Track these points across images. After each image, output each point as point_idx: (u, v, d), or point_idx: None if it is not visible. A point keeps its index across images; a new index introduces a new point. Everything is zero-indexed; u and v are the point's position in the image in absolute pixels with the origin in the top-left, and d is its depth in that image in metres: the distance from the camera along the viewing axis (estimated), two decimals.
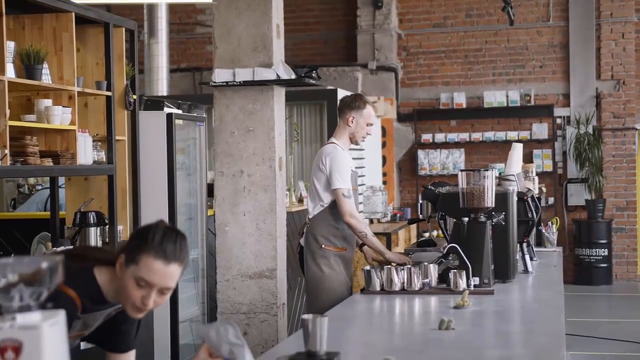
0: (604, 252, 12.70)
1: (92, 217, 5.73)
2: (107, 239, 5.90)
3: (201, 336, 2.62)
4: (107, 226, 5.88)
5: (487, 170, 4.62)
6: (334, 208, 5.38)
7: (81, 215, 5.73)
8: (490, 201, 4.58)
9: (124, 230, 6.15)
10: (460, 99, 13.38)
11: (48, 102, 5.31)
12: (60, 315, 1.85)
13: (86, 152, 5.57)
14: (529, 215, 5.27)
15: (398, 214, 11.41)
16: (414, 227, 11.57)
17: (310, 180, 5.53)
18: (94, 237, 5.71)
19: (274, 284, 5.84)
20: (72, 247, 5.20)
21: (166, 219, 6.49)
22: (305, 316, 2.82)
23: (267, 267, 5.83)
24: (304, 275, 5.58)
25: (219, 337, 2.52)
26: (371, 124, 5.56)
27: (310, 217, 5.49)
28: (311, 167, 10.92)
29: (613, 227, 12.96)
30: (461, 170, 4.66)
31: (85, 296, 2.77)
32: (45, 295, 1.84)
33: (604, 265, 12.73)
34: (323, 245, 5.40)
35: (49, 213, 6.08)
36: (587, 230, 12.78)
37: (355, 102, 5.52)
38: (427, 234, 11.04)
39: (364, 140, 5.66)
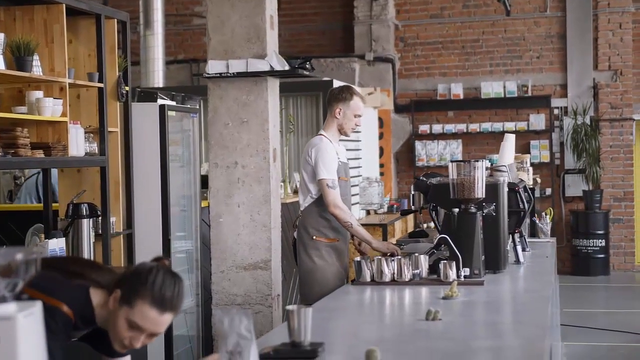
0: (601, 242, 12.71)
1: (84, 209, 5.72)
2: (99, 231, 5.90)
3: (214, 320, 2.64)
4: (99, 218, 5.88)
5: (478, 161, 4.61)
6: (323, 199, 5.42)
7: (74, 207, 5.72)
8: (480, 192, 4.58)
9: (117, 222, 6.15)
10: (458, 90, 13.37)
11: (39, 93, 5.30)
12: (36, 307, 1.86)
13: (78, 143, 5.56)
14: (520, 206, 5.27)
15: (395, 205, 11.42)
16: (410, 218, 11.58)
17: (300, 172, 5.55)
18: (87, 228, 5.71)
19: (268, 275, 5.85)
20: (67, 257, 5.14)
21: (159, 210, 6.55)
22: (290, 307, 2.84)
23: (261, 258, 5.83)
24: (297, 267, 5.62)
25: (231, 326, 2.53)
26: (359, 115, 5.55)
27: (301, 209, 5.53)
28: None
29: (610, 217, 12.96)
30: (451, 161, 4.66)
31: (79, 315, 2.78)
32: (20, 286, 1.85)
33: (601, 256, 12.74)
34: (314, 237, 5.43)
35: (42, 206, 6.07)
36: (584, 221, 12.79)
37: (342, 93, 5.53)
38: (424, 225, 11.04)
39: (354, 131, 5.67)
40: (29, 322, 1.83)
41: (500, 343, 3.23)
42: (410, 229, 11.30)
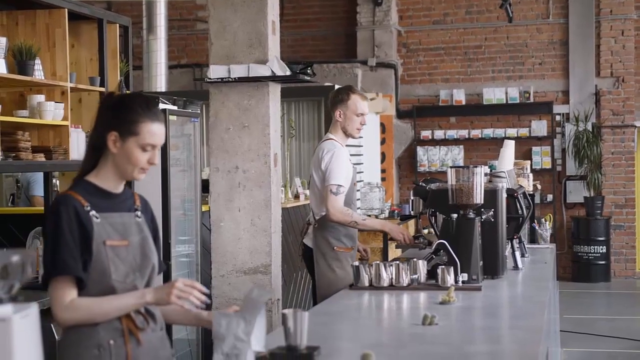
0: (602, 249, 12.71)
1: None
2: None
3: (213, 321, 2.69)
4: None
5: (476, 167, 4.62)
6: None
7: None
8: (479, 198, 4.59)
9: None
10: (460, 96, 13.40)
11: (41, 97, 5.33)
12: (32, 308, 1.88)
13: (79, 147, 5.59)
14: (519, 212, 5.28)
15: (396, 211, 11.42)
16: (413, 223, 11.58)
17: (311, 179, 5.51)
18: None
19: (268, 279, 5.85)
20: None
21: (160, 214, 6.55)
22: (286, 311, 2.85)
23: (261, 262, 5.83)
24: (314, 276, 5.53)
25: (228, 328, 2.55)
26: (361, 114, 5.48)
27: (317, 217, 5.44)
28: (308, 163, 10.90)
29: (611, 224, 12.97)
30: (450, 167, 4.67)
31: (86, 194, 2.97)
32: (17, 287, 1.87)
33: (602, 262, 12.75)
34: (335, 247, 5.38)
35: (43, 209, 6.10)
36: (585, 227, 12.79)
37: (339, 95, 5.50)
38: (425, 231, 11.04)
39: (359, 131, 5.56)
40: (24, 323, 1.85)
41: (495, 348, 3.25)
42: (412, 234, 11.29)
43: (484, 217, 4.68)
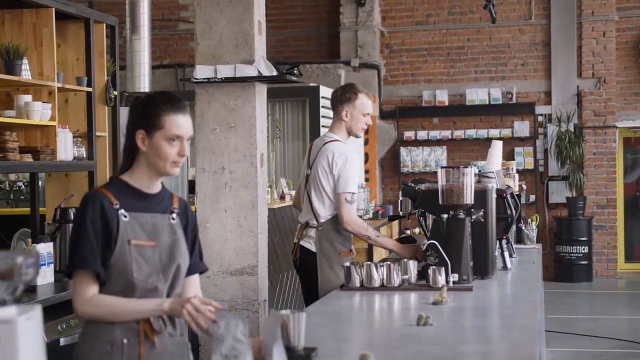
0: (584, 249, 12.78)
1: (72, 214, 5.69)
2: None
3: (210, 322, 2.68)
4: None
5: (467, 167, 4.63)
6: None
7: (61, 212, 5.70)
8: (469, 198, 4.59)
9: None
10: (443, 97, 13.43)
11: (28, 97, 5.29)
12: (36, 310, 1.86)
13: (66, 148, 5.56)
14: (508, 212, 5.29)
15: (380, 211, 11.44)
16: (395, 224, 11.61)
17: (314, 180, 5.32)
18: None
19: (255, 280, 5.84)
20: None
21: None
22: (284, 312, 2.84)
23: (248, 263, 5.83)
24: (310, 279, 5.33)
25: (227, 330, 2.53)
26: (367, 114, 5.34)
27: (321, 220, 5.28)
28: (294, 163, 10.85)
29: (593, 224, 13.04)
30: (441, 167, 4.67)
31: (117, 192, 3.01)
32: (21, 289, 1.85)
33: (584, 262, 12.81)
34: (341, 252, 5.26)
35: (29, 209, 6.05)
36: (567, 227, 12.86)
37: (346, 94, 5.32)
38: (408, 231, 11.06)
39: (363, 131, 5.46)
40: (29, 325, 1.83)
41: (491, 348, 3.25)
42: (395, 234, 11.32)
43: (474, 217, 4.68)
